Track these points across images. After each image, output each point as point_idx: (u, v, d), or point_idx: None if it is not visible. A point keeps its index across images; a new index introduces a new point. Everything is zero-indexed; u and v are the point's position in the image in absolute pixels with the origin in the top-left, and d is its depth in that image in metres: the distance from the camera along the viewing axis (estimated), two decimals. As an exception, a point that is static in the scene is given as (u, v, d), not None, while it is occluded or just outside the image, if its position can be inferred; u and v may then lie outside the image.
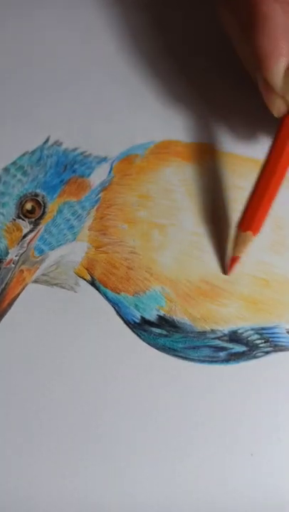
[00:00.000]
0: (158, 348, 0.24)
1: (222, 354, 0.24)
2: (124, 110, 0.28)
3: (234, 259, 0.25)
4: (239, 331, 0.25)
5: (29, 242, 0.25)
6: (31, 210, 0.26)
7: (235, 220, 0.25)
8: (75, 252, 0.26)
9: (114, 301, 0.25)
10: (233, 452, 0.23)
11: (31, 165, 0.26)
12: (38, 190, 0.26)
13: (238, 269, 0.25)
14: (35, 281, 0.25)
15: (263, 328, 0.25)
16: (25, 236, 0.25)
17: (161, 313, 0.25)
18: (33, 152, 0.27)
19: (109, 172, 0.27)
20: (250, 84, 0.25)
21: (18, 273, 0.25)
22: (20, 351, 0.24)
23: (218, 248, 0.26)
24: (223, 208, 0.26)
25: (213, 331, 0.25)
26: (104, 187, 0.26)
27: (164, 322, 0.25)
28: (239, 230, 0.24)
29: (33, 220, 0.26)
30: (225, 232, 0.26)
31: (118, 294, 0.25)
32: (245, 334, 0.25)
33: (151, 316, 0.25)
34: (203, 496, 0.23)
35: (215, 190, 0.27)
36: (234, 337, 0.25)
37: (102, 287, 0.25)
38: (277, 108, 0.23)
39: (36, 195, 0.26)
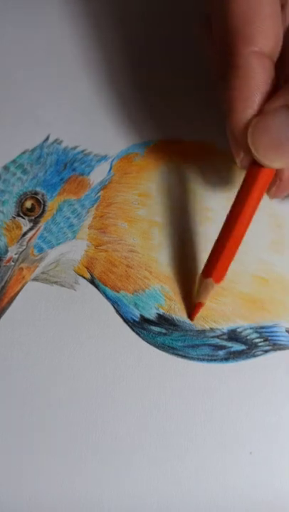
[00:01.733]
0: (157, 347, 0.24)
1: (221, 353, 0.24)
2: (124, 109, 0.28)
3: (198, 306, 0.24)
4: (238, 330, 0.25)
5: (29, 240, 0.25)
6: (31, 208, 0.26)
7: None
8: (75, 250, 0.26)
9: (113, 299, 0.25)
10: (232, 451, 0.23)
11: (31, 163, 0.26)
12: (37, 189, 0.26)
13: (238, 267, 0.25)
14: (35, 280, 0.25)
15: (262, 327, 0.25)
16: (24, 234, 0.25)
17: (161, 311, 0.25)
18: (33, 150, 0.27)
19: (109, 170, 0.27)
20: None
21: (17, 271, 0.25)
22: (19, 349, 0.24)
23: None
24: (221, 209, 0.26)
25: (212, 330, 0.25)
26: (104, 185, 0.27)
27: (163, 320, 0.25)
28: (201, 277, 0.24)
29: (32, 218, 0.26)
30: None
31: (117, 292, 0.25)
32: (244, 333, 0.25)
33: (151, 314, 0.25)
34: (203, 495, 0.23)
35: (214, 190, 0.27)
36: (233, 336, 0.25)
37: (101, 286, 0.25)
38: (240, 160, 0.22)
39: (36, 193, 0.26)
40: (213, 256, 0.23)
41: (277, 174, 0.22)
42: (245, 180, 0.22)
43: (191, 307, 0.25)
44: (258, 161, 0.21)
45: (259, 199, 0.22)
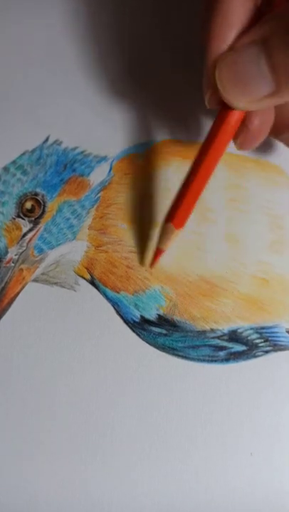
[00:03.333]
0: (158, 347, 0.24)
1: (222, 353, 0.24)
2: (124, 109, 0.28)
3: (158, 252, 0.24)
4: (239, 331, 0.25)
5: (29, 241, 0.25)
6: (31, 209, 0.26)
7: (232, 218, 0.25)
8: (75, 251, 0.26)
9: (113, 300, 0.25)
10: (233, 452, 0.23)
11: (31, 164, 0.26)
12: (37, 190, 0.26)
13: (238, 268, 0.25)
14: (35, 281, 0.25)
15: (262, 328, 0.25)
16: (24, 235, 0.25)
17: (161, 312, 0.25)
18: (33, 151, 0.27)
19: (109, 171, 0.27)
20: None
21: (17, 272, 0.25)
22: (19, 350, 0.24)
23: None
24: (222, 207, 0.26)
25: (212, 330, 0.25)
26: (104, 186, 0.26)
27: (163, 321, 0.25)
28: (163, 223, 0.23)
29: (32, 219, 0.26)
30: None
31: (118, 293, 0.25)
32: (244, 333, 0.25)
33: (151, 315, 0.25)
34: (204, 496, 0.23)
35: (214, 190, 0.27)
36: (234, 336, 0.25)
37: (101, 286, 0.25)
38: (208, 98, 0.21)
39: (36, 194, 0.26)
40: (175, 201, 0.23)
41: (246, 121, 0.22)
42: (213, 124, 0.21)
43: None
44: (223, 98, 0.20)
45: (225, 143, 0.21)
